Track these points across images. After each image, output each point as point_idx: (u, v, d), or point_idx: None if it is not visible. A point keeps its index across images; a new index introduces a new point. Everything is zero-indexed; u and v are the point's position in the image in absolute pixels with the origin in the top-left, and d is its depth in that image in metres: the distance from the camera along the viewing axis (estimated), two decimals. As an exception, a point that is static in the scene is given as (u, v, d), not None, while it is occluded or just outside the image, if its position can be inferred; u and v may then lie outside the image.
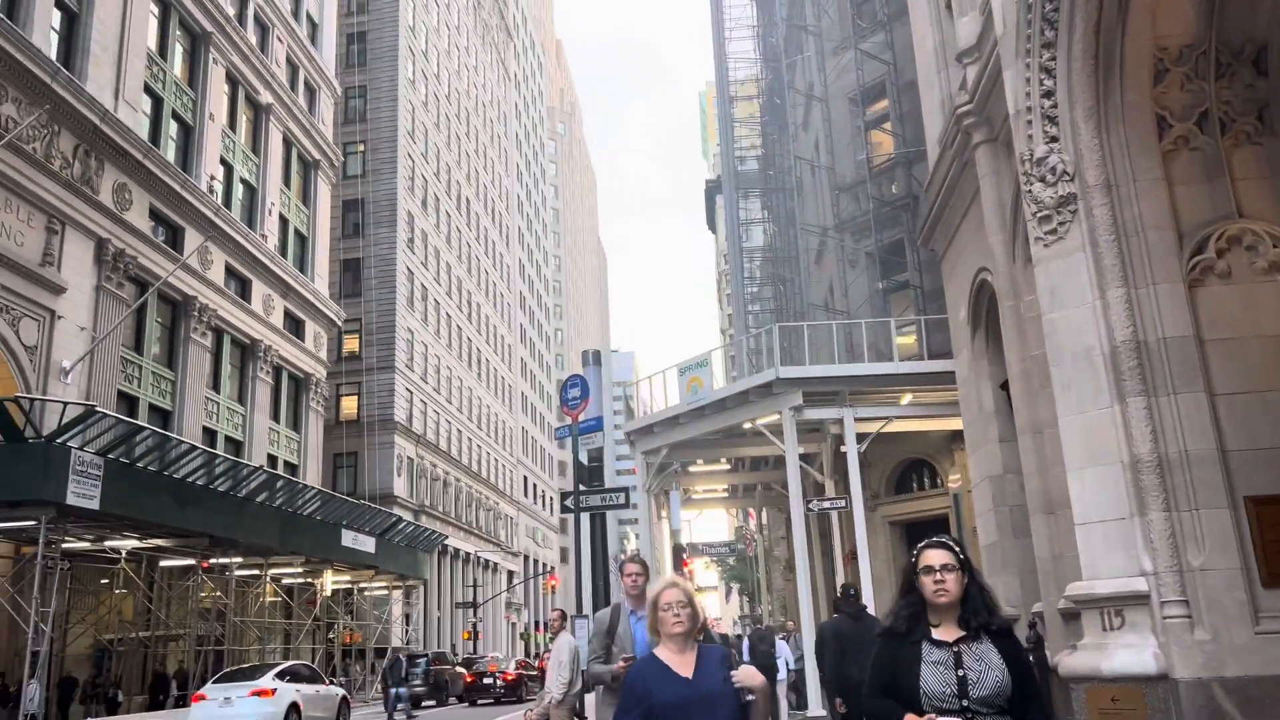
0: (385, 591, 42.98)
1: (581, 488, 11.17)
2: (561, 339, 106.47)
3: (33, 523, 19.03)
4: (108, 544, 23.93)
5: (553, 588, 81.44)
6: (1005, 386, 11.52)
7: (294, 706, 17.68)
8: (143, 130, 31.47)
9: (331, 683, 21.68)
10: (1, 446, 19.23)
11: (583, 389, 10.58)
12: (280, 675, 18.28)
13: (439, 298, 62.75)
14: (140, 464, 22.00)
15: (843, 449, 19.26)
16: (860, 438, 19.00)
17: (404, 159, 57.01)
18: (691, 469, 26.38)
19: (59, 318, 26.51)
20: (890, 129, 22.62)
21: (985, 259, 11.15)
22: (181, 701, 25.76)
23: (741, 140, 45.69)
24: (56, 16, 27.98)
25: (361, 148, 56.47)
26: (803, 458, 20.26)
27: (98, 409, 20.21)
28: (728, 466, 26.36)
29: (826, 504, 19.66)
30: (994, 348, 11.95)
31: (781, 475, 23.29)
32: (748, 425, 20.54)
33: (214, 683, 17.85)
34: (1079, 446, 7.89)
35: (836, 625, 9.11)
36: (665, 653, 3.47)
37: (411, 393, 55.59)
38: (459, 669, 34.22)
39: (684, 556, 23.84)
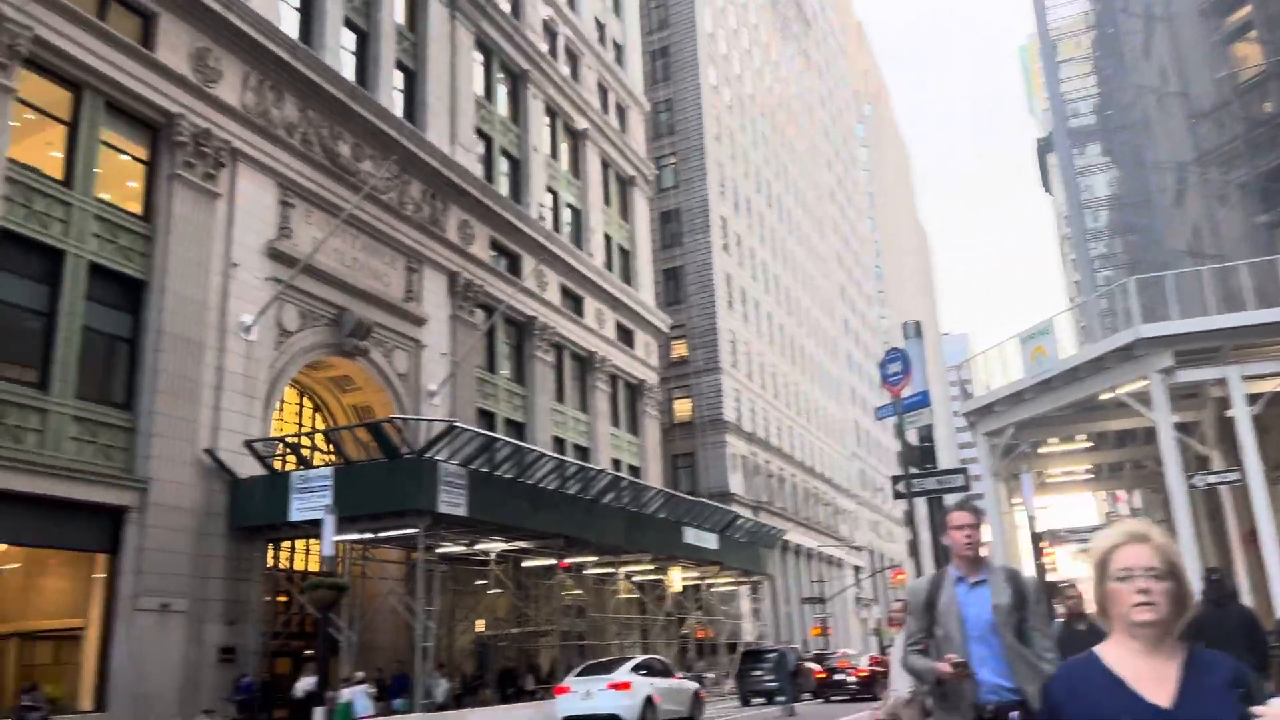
0: (732, 587, 43.69)
1: (912, 470, 10.31)
2: (886, 326, 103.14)
3: (413, 530, 21.19)
4: (478, 547, 26.19)
5: (900, 582, 78.82)
6: None
7: (649, 699, 18.18)
8: (477, 170, 34.42)
9: (684, 677, 22.16)
10: (383, 463, 21.64)
11: (903, 363, 9.75)
12: (635, 669, 18.92)
13: (758, 297, 63.08)
14: (498, 472, 23.87)
15: (1228, 414, 16.53)
16: (1251, 399, 16.21)
17: (712, 165, 58.00)
18: (1043, 450, 24.06)
19: (423, 346, 29.58)
20: (1256, 36, 19.23)
21: None
22: (534, 694, 27.55)
23: (1072, 84, 41.44)
24: (398, 77, 31.35)
25: (673, 159, 58.21)
26: (1179, 427, 17.68)
27: (457, 424, 22.15)
28: (1088, 444, 23.75)
29: (1214, 479, 16.98)
30: None
31: (1154, 450, 20.54)
32: (1106, 395, 18.28)
33: (575, 676, 18.84)
34: None
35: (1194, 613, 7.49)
36: (1120, 654, 2.08)
37: (739, 392, 56.25)
38: (809, 664, 33.83)
39: (1043, 547, 21.70)
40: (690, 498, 37.48)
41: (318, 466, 22.13)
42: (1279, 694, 1.90)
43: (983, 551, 4.47)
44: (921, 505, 10.81)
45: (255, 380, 23.31)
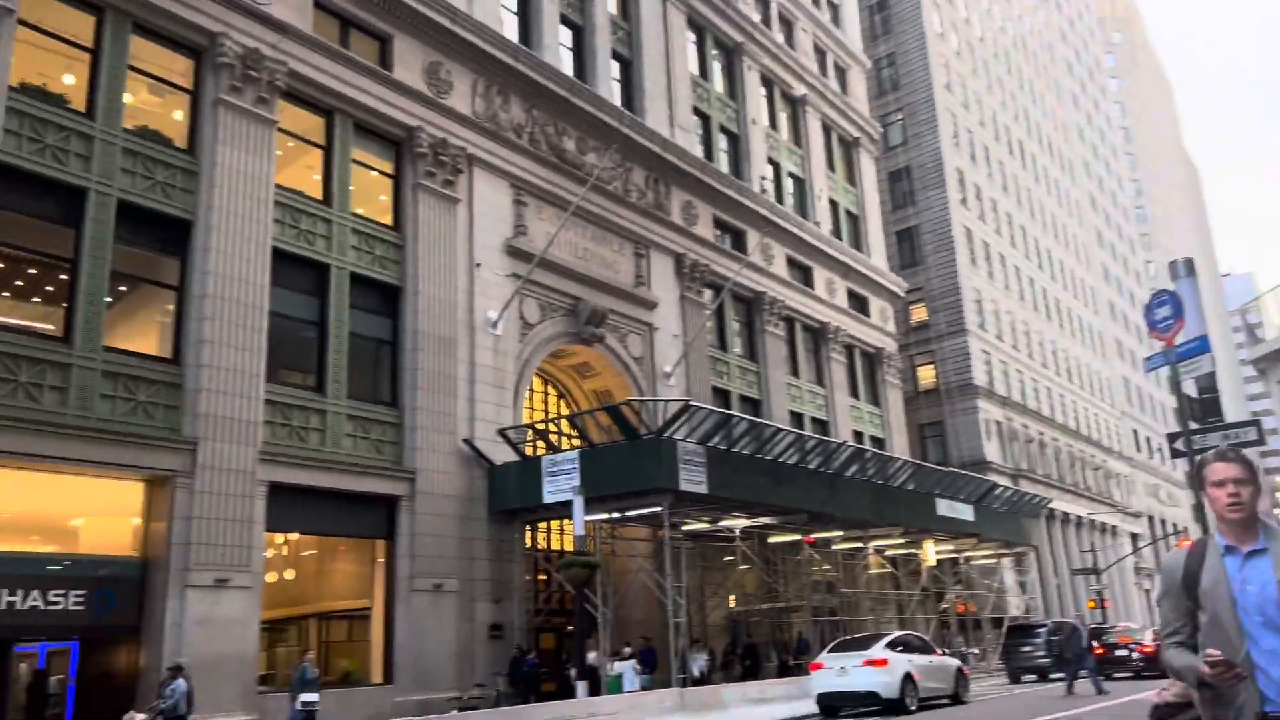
0: (992, 560, 41.48)
1: (1192, 426, 9.17)
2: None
3: (657, 508, 21.57)
4: (722, 524, 26.31)
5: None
6: None
7: (908, 677, 17.53)
8: (697, 149, 34.48)
9: (944, 653, 21.21)
10: (624, 445, 22.17)
11: (1173, 306, 8.63)
12: (891, 645, 18.29)
13: (1003, 251, 59.33)
14: (736, 449, 23.84)
15: None
16: None
17: (944, 116, 55.04)
18: (1357, 395, 20.91)
19: (655, 329, 30.06)
20: None
21: None
22: (788, 670, 27.33)
23: None
24: (615, 67, 31.92)
25: (899, 115, 55.80)
26: None
27: (692, 403, 22.32)
28: None
29: None
30: None
31: None
32: None
33: (828, 652, 18.48)
34: None
35: None
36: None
37: (988, 354, 53.21)
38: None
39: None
40: (941, 468, 35.91)
41: (564, 450, 22.99)
42: None
43: (1260, 513, 3.44)
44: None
45: (504, 372, 24.57)
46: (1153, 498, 76.01)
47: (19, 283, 17.60)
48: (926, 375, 52.44)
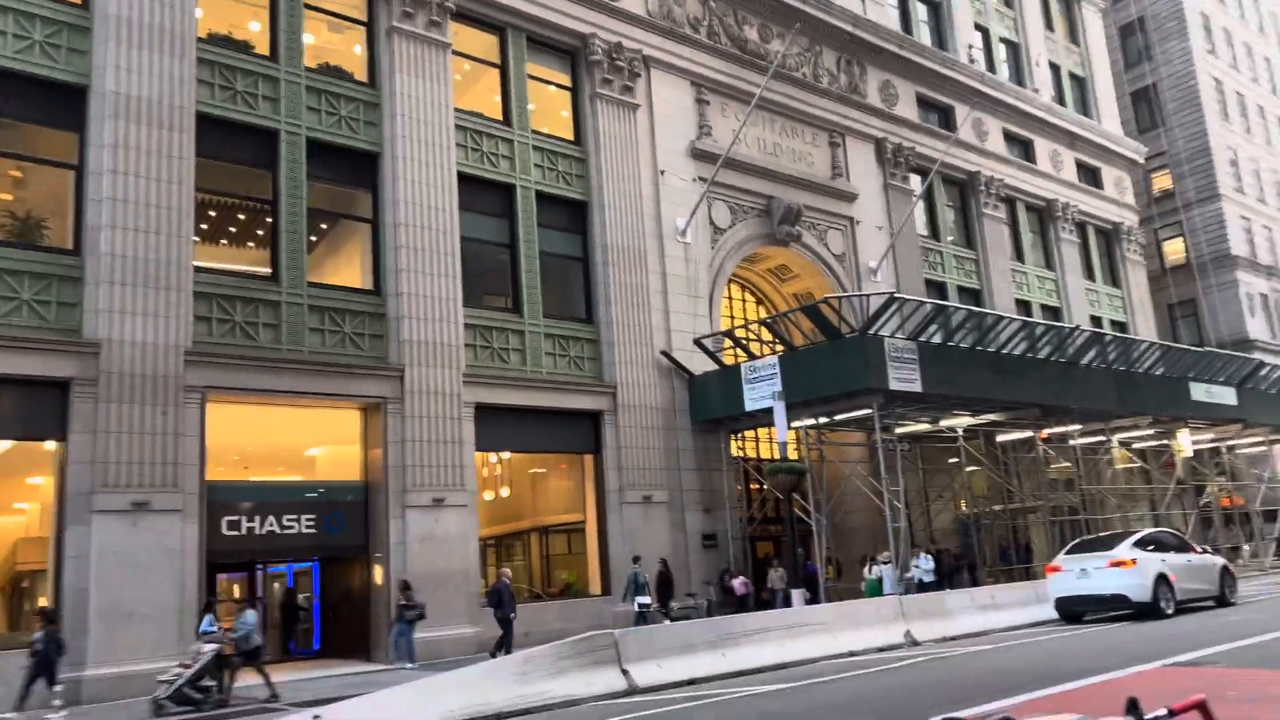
0: (1263, 448, 37.10)
1: None
2: None
3: (867, 411, 20.35)
4: (943, 424, 24.66)
5: None
6: None
7: (1162, 578, 15.66)
8: (893, 22, 31.80)
9: (1204, 551, 18.90)
10: (826, 346, 21.00)
11: None
12: (1140, 544, 16.37)
13: (1261, 101, 51.88)
14: (953, 343, 22.07)
15: None
16: None
17: (1182, -48, 48.17)
18: None
19: (857, 223, 28.28)
20: None
21: None
22: (1027, 574, 25.55)
23: None
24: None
25: (1127, -41, 49.38)
26: None
27: (897, 295, 20.76)
28: None
29: None
30: None
31: None
32: None
33: (1066, 554, 16.81)
34: None
35: None
36: None
37: (1248, 220, 47.06)
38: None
39: None
40: (1195, 349, 32.11)
41: (764, 357, 22.11)
42: None
43: None
44: None
45: (697, 280, 23.87)
46: None
47: (230, 227, 18.59)
48: (1174, 250, 47.11)
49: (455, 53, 20.79)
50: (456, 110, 20.43)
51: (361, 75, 19.72)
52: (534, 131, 21.99)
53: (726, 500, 22.89)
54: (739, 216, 25.40)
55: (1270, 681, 8.96)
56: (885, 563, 21.14)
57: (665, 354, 22.55)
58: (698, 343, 22.78)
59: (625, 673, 11.01)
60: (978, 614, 15.79)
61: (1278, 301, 47.01)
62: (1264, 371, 32.95)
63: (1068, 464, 28.92)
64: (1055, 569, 16.48)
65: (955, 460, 27.76)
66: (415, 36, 19.86)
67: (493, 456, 21.95)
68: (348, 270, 19.52)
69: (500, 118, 21.60)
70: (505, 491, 22.63)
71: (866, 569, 22.30)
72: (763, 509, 24.37)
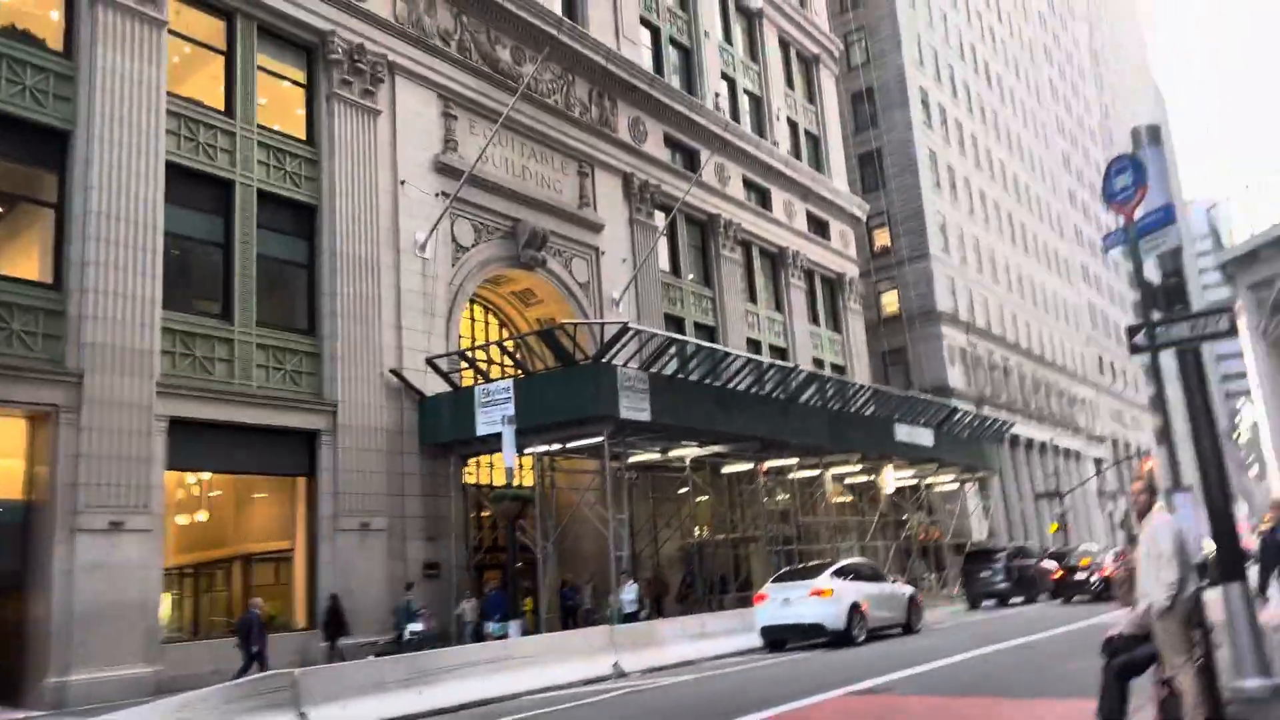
0: (954, 485, 40.91)
1: (1156, 316, 7.98)
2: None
3: (599, 438, 20.32)
4: (672, 454, 25.19)
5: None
6: None
7: (855, 607, 16.57)
8: (646, 63, 32.63)
9: (895, 580, 20.33)
10: (560, 371, 20.85)
11: (1134, 172, 7.37)
12: (839, 574, 17.30)
13: (968, 174, 58.00)
14: (689, 376, 22.60)
15: None
16: None
17: (907, 33, 53.17)
18: (1327, 303, 19.97)
19: (602, 253, 28.55)
20: None
21: None
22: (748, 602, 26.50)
23: None
24: (552, -28, 29.86)
25: (861, 34, 53.83)
26: None
27: (632, 325, 20.98)
28: (1385, 292, 19.44)
29: None
30: None
31: None
32: None
33: (773, 582, 17.48)
34: None
35: None
36: None
37: (952, 279, 52.22)
38: (1045, 564, 30.98)
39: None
40: (900, 393, 35.00)
41: (499, 380, 21.64)
42: None
43: None
44: (1170, 362, 8.46)
45: (434, 298, 23.06)
46: (1116, 422, 76.20)
47: None
48: (890, 301, 51.37)
49: (173, 32, 18.97)
50: (170, 95, 18.61)
51: (56, 44, 17.51)
52: (261, 126, 20.46)
53: (453, 528, 22.09)
54: (483, 236, 24.89)
55: (941, 706, 9.47)
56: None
57: (395, 372, 21.55)
58: (430, 362, 21.95)
59: (302, 715, 10.05)
60: (688, 643, 15.99)
61: (973, 354, 52.38)
62: (957, 416, 36.39)
63: (786, 496, 30.46)
64: (762, 597, 17.05)
65: (684, 490, 28.53)
66: (124, 8, 17.91)
67: (191, 477, 19.97)
68: (24, 260, 17.16)
69: (222, 108, 19.92)
70: (203, 515, 20.64)
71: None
72: (493, 536, 23.74)
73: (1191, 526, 7.14)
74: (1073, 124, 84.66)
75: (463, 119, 24.93)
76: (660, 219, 31.18)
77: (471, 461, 24.01)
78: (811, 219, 40.94)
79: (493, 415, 20.25)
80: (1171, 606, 5.95)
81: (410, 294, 22.44)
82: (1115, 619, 7.81)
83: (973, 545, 34.86)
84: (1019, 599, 28.51)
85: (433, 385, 22.06)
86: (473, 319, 26.68)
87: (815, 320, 40.25)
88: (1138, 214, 7.52)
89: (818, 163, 43.05)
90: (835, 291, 42.20)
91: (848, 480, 34.18)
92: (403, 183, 22.82)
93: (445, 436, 21.72)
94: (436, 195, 23.52)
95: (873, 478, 34.20)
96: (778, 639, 16.86)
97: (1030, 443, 56.40)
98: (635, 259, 29.54)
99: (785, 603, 16.46)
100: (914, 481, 36.94)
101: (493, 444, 20.90)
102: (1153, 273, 8.07)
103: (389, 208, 22.36)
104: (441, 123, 24.40)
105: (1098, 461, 67.83)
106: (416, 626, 19.31)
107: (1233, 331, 7.87)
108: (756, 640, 17.11)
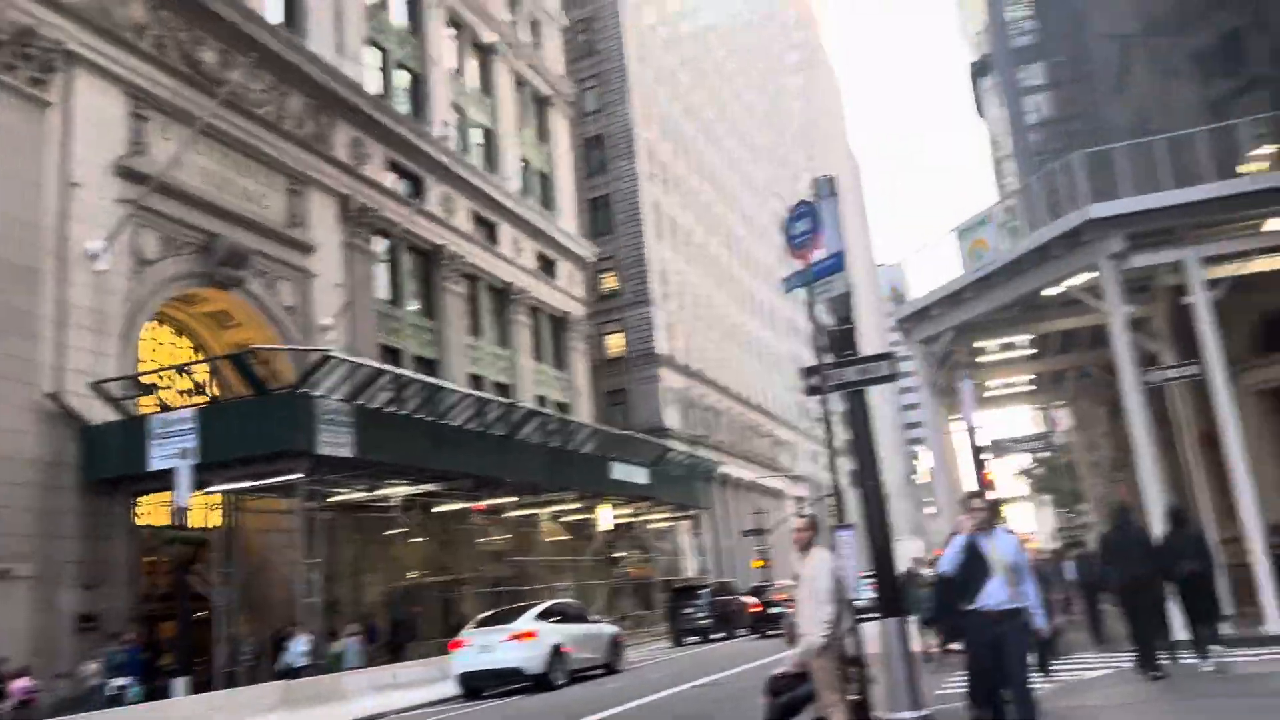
0: (668, 523, 42.12)
1: (826, 359, 8.30)
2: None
3: (295, 476, 18.81)
4: (380, 492, 23.91)
5: (812, 511, 78.39)
6: None
7: (557, 649, 16.25)
8: (371, 84, 31.40)
9: (597, 620, 20.27)
10: (252, 401, 19.19)
11: (812, 219, 7.68)
12: (543, 616, 16.93)
13: (689, 226, 60.82)
14: (401, 410, 21.56)
15: (1184, 300, 14.87)
16: (1210, 284, 14.54)
17: (636, 88, 55.13)
18: (982, 359, 22.42)
19: (312, 276, 26.87)
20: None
21: None
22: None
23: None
24: (271, -22, 28.11)
25: (594, 82, 55.18)
26: (1130, 325, 15.96)
27: (333, 353, 19.72)
28: (1030, 350, 22.13)
29: (1171, 373, 15.38)
30: None
31: (1101, 356, 18.99)
32: (1052, 290, 16.54)
33: (473, 627, 16.81)
34: None
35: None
36: None
37: (671, 325, 54.25)
38: (746, 599, 32.39)
39: (985, 461, 20.15)
40: (617, 432, 35.55)
41: (180, 408, 19.55)
42: None
43: None
44: (843, 410, 8.87)
45: (107, 315, 20.55)
46: (814, 463, 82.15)
47: None
48: (615, 343, 52.49)
49: None
50: None
51: None
52: (-109, 105, 17.43)
53: (119, 574, 19.54)
54: (172, 250, 22.60)
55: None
56: (355, 634, 19.56)
57: (53, 396, 18.89)
58: (95, 386, 19.45)
59: None
60: (376, 695, 14.97)
61: (688, 397, 54.56)
62: (670, 455, 37.54)
63: (506, 535, 29.89)
64: (459, 643, 16.32)
65: (397, 530, 27.17)
66: None
67: None
68: None
69: None
70: None
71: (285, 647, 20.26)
72: (170, 583, 21.28)
73: (852, 563, 7.38)
74: (785, 187, 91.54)
75: (156, 121, 22.65)
76: (381, 245, 29.92)
77: (152, 499, 21.49)
78: (540, 257, 41.07)
79: (169, 448, 18.25)
80: (827, 644, 6.03)
81: (79, 309, 19.86)
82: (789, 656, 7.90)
83: (680, 582, 35.83)
84: (721, 634, 29.52)
85: (102, 413, 19.57)
86: (158, 341, 24.15)
87: (540, 358, 40.23)
88: (813, 258, 7.78)
89: (548, 202, 43.37)
90: (561, 330, 42.47)
91: (565, 519, 34.17)
92: (75, 185, 20.26)
93: (113, 471, 19.31)
94: (118, 201, 21.09)
95: (590, 516, 34.43)
96: (475, 686, 16.17)
97: (739, 482, 59.38)
98: (351, 285, 28.07)
99: (484, 648, 15.84)
100: (630, 520, 37.60)
101: (169, 480, 18.83)
102: (828, 319, 8.39)
103: (55, 210, 19.76)
104: (130, 123, 22.02)
105: (798, 500, 72.68)
106: (123, 681, 17.25)
107: (894, 376, 8.33)
108: (454, 689, 16.33)
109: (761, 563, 54.88)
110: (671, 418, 51.11)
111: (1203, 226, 14.63)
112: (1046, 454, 50.67)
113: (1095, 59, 22.43)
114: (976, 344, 20.52)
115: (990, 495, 26.65)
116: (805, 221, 7.75)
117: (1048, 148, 33.30)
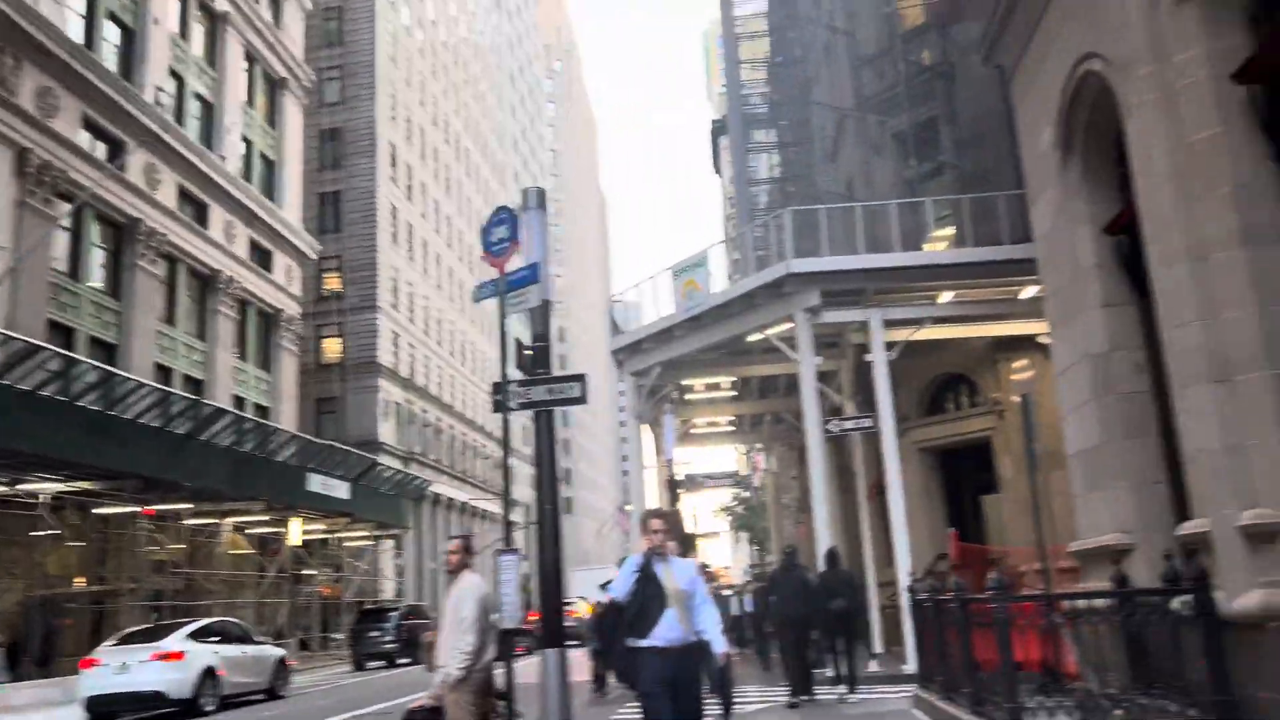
0: (368, 542, 40.20)
1: (521, 378, 7.96)
2: (561, 286, 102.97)
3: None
4: (23, 487, 20.90)
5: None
6: (1114, 228, 8.25)
7: (210, 672, 14.69)
8: (74, 29, 27.95)
9: (263, 641, 18.67)
10: None
11: (511, 227, 7.36)
12: (198, 635, 15.28)
13: (426, 235, 59.30)
14: (46, 392, 18.91)
15: (867, 358, 16.04)
16: (889, 346, 15.78)
17: (384, 87, 53.22)
18: (690, 396, 23.21)
19: (-33, 233, 23.29)
20: (923, -14, 19.07)
21: (1093, 36, 7.80)
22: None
23: (750, 73, 40.51)
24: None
25: (338, 73, 52.64)
26: (819, 376, 17.03)
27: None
28: (733, 392, 23.18)
29: (849, 424, 16.50)
30: (1095, 179, 8.65)
31: (794, 403, 20.13)
32: (755, 336, 17.34)
33: (112, 645, 14.86)
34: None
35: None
36: None
37: (397, 334, 52.40)
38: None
39: (680, 493, 20.78)
40: (320, 441, 33.56)
41: None
42: None
43: None
44: (519, 423, 8.57)
45: None
46: (530, 488, 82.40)
47: None
48: (332, 348, 49.80)
49: None
50: None
51: None
52: None
53: None
54: None
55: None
56: None
57: None
58: None
59: None
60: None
61: (408, 411, 52.80)
62: (377, 470, 35.92)
63: (180, 545, 27.13)
64: (92, 662, 14.35)
65: (46, 532, 23.86)
66: None
67: None
68: None
69: None
70: None
71: None
72: None
73: (512, 590, 7.03)
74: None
75: None
76: (64, 209, 26.51)
77: None
78: (255, 247, 38.24)
79: None
80: (465, 676, 5.60)
81: None
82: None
83: (370, 604, 34.20)
84: (407, 660, 28.34)
85: None
86: None
87: (243, 355, 37.29)
88: (508, 268, 7.44)
89: (271, 189, 40.56)
90: (271, 328, 39.66)
91: (250, 530, 31.65)
92: None
93: None
94: None
95: (280, 529, 32.11)
96: (106, 711, 14.25)
97: (451, 502, 58.14)
98: (19, 249, 24.55)
99: (123, 668, 14.00)
100: (325, 535, 35.51)
101: None
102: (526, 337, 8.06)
103: None
104: None
105: (510, 524, 72.29)
106: None
107: (583, 399, 8.12)
108: (79, 714, 14.31)
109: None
110: (387, 432, 49.17)
111: (887, 291, 15.86)
112: (746, 493, 53.60)
113: (815, 127, 24.15)
114: (685, 381, 21.15)
115: (687, 528, 27.54)
116: (504, 228, 7.40)
117: (770, 205, 35.59)
